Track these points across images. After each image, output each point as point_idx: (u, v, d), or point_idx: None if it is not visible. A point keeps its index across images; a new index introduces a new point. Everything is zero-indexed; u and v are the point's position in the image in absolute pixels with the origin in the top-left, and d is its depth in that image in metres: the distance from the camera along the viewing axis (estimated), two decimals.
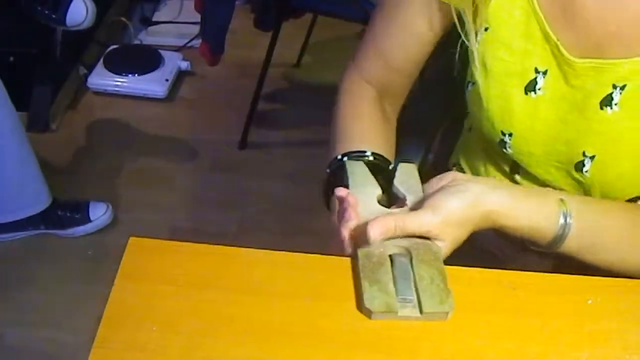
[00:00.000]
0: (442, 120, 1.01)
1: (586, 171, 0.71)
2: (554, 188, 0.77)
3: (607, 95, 0.67)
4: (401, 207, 0.67)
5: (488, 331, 0.57)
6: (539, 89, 0.70)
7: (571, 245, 0.65)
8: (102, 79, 2.27)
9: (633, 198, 0.73)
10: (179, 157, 2.09)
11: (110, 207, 1.82)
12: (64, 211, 1.76)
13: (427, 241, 0.62)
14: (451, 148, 0.97)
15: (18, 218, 1.71)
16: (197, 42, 2.14)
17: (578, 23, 0.67)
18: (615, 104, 0.66)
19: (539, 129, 0.72)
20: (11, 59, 2.05)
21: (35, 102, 2.08)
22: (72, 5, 1.53)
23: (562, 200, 0.65)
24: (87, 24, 1.56)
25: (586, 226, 0.66)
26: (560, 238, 0.65)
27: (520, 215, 0.64)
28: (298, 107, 2.32)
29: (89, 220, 1.78)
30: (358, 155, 0.75)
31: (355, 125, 0.81)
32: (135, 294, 0.58)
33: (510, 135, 0.74)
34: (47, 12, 1.55)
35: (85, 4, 1.54)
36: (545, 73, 0.70)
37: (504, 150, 0.76)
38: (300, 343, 0.55)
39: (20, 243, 1.75)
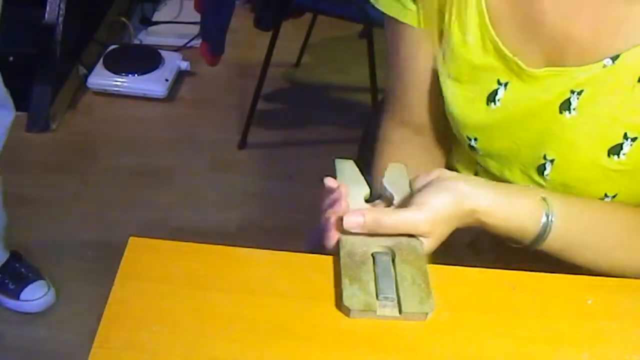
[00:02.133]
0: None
1: (547, 175, 0.72)
2: None
3: (566, 100, 0.68)
4: (388, 206, 0.67)
5: (488, 331, 0.57)
6: (498, 100, 0.72)
7: (553, 244, 0.66)
8: (102, 79, 2.27)
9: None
10: (179, 157, 2.09)
11: (52, 291, 1.62)
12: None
13: (411, 241, 0.62)
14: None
15: None
16: (197, 42, 2.15)
17: (540, 32, 0.68)
18: (574, 109, 0.68)
19: (501, 135, 0.74)
20: (11, 59, 2.06)
21: (35, 102, 2.08)
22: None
23: (544, 198, 0.66)
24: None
25: (569, 226, 0.66)
26: (542, 237, 0.65)
27: (504, 214, 0.65)
28: (298, 107, 2.32)
29: (17, 298, 1.60)
30: None
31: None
32: (135, 294, 0.58)
33: (475, 139, 0.76)
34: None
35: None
36: (506, 85, 0.72)
37: (475, 152, 0.78)
38: (300, 343, 0.55)
39: None
